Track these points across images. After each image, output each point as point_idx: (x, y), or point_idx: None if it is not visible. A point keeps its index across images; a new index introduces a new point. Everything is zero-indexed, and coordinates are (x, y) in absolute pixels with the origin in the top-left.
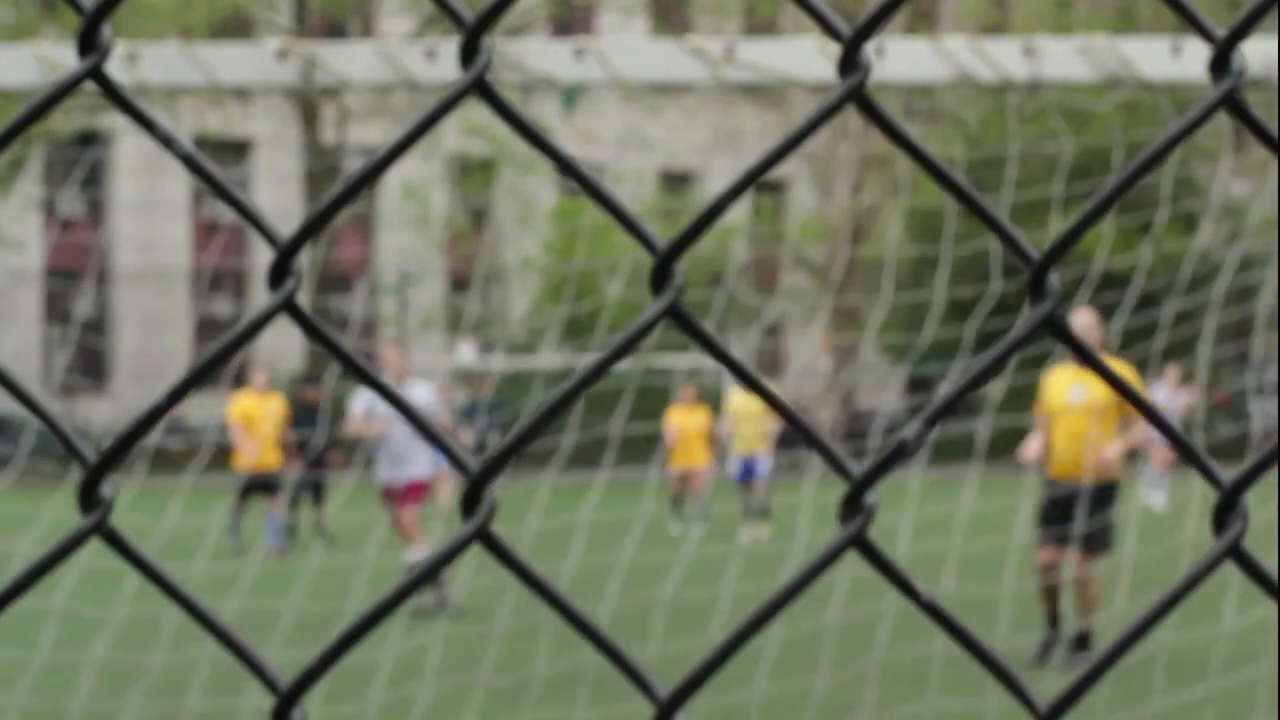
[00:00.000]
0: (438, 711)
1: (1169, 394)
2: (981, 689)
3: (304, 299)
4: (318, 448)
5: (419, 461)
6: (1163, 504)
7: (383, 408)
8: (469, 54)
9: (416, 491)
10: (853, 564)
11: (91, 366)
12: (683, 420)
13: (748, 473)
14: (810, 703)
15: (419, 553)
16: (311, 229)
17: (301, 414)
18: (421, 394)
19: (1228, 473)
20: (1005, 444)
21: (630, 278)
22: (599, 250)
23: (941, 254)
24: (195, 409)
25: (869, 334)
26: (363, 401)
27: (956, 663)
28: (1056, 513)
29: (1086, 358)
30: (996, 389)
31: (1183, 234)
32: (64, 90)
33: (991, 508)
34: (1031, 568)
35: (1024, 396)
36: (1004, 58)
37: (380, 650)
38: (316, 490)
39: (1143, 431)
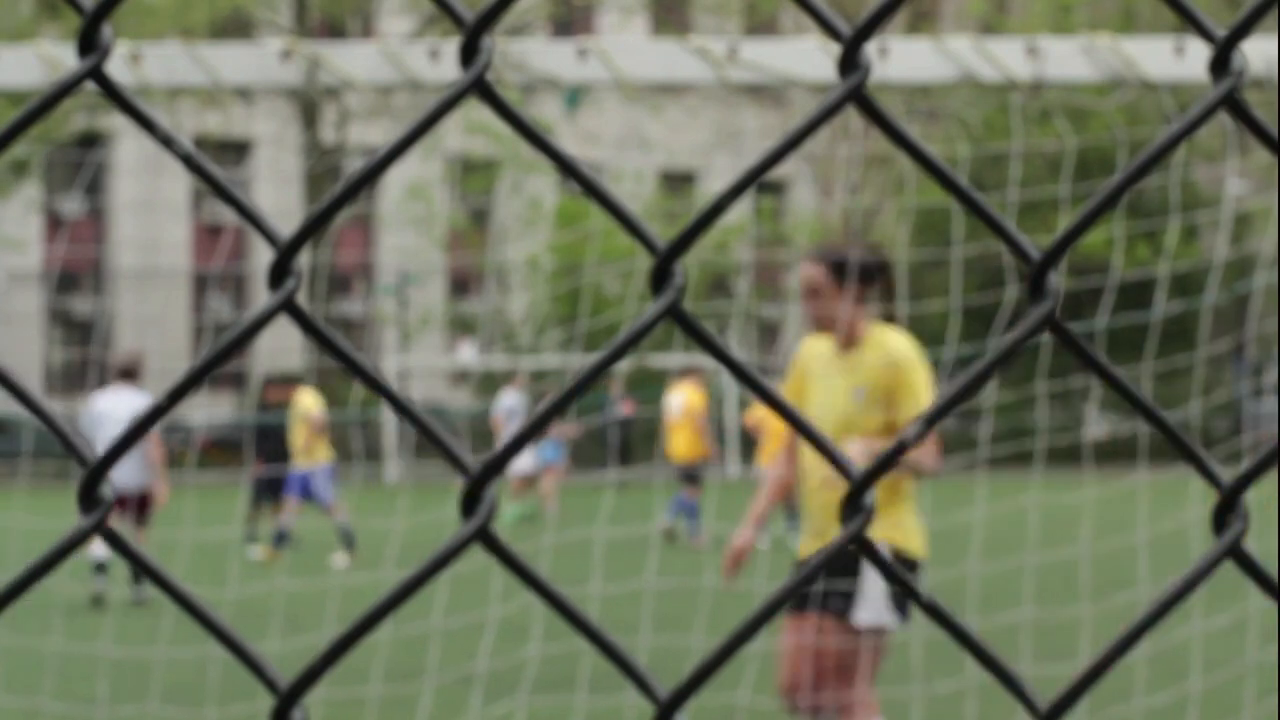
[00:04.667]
0: (437, 701)
1: None
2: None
3: (303, 300)
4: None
5: None
6: None
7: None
8: (469, 54)
9: None
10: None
11: (91, 367)
12: (771, 417)
13: (304, 487)
14: None
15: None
16: (311, 229)
17: (267, 414)
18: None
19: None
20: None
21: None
22: (605, 252)
23: (951, 255)
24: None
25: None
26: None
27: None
28: None
29: (1088, 359)
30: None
31: (1185, 240)
32: (64, 90)
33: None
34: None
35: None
36: (1007, 57)
37: (378, 636)
38: (275, 491)
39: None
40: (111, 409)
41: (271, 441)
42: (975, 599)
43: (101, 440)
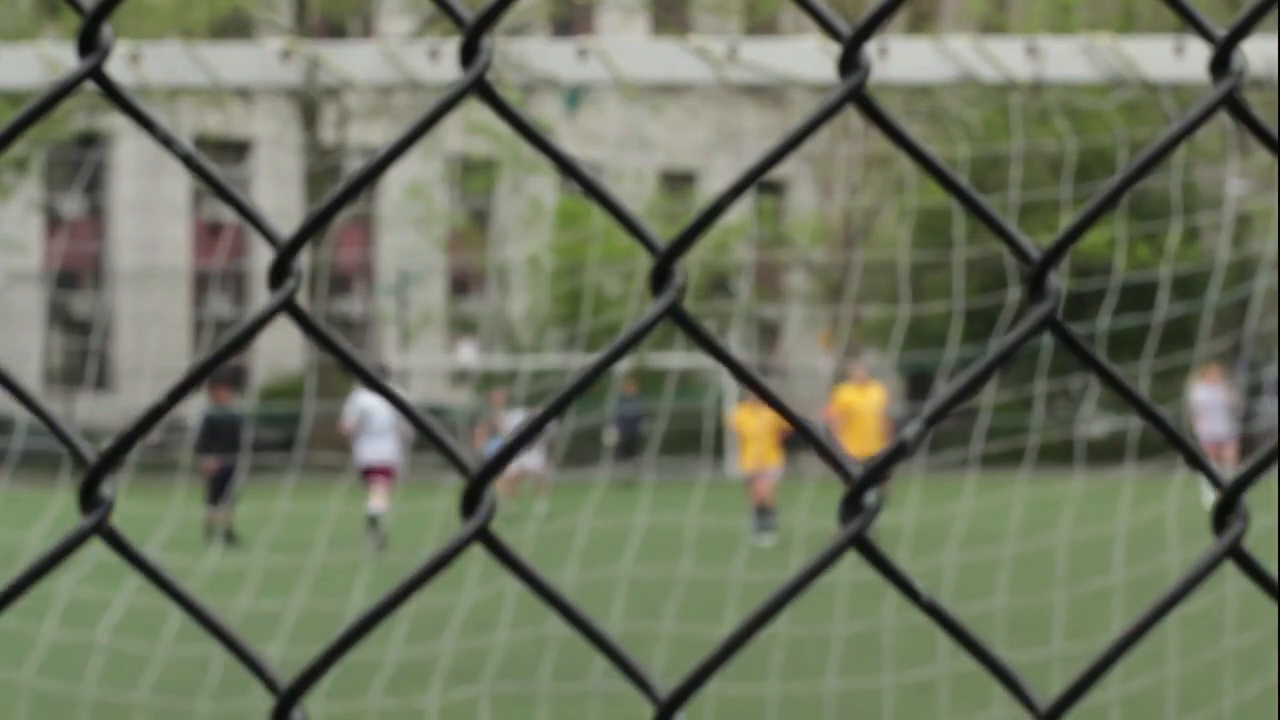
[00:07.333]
0: (444, 714)
1: (1210, 391)
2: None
3: (303, 300)
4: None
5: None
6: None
7: None
8: (469, 54)
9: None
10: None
11: (92, 367)
12: (747, 418)
13: None
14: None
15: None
16: (311, 229)
17: (215, 412)
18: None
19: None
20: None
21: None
22: (606, 252)
23: (952, 257)
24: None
25: (872, 338)
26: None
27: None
28: None
29: (1088, 359)
30: None
31: (1187, 241)
32: (64, 90)
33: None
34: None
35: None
36: (1007, 58)
37: (383, 649)
38: (222, 488)
39: None
40: (377, 405)
41: (223, 439)
42: (950, 588)
43: (371, 433)
